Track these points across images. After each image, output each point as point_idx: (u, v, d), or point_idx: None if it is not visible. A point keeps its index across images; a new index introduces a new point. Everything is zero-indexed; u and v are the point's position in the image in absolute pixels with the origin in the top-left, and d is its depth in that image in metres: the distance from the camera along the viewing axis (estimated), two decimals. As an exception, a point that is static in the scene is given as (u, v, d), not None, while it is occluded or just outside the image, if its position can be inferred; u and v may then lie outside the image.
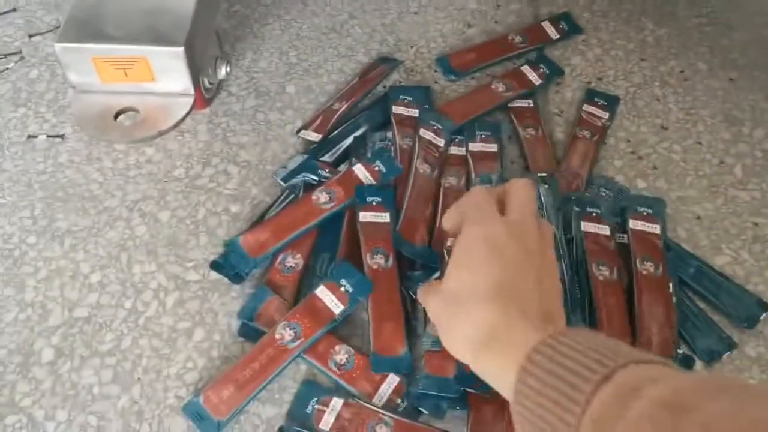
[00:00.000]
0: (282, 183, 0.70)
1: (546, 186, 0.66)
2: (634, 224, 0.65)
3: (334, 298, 0.59)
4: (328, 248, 0.64)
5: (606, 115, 0.76)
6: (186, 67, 0.67)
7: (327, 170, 0.69)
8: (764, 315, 0.61)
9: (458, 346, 0.43)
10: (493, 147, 0.71)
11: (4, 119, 0.76)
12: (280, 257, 0.63)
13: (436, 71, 0.81)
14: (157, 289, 0.63)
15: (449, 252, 0.62)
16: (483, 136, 0.72)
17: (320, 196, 0.65)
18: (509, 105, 0.76)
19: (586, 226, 0.65)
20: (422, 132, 0.71)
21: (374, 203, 0.65)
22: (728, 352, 0.60)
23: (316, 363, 0.57)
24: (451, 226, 0.49)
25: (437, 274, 0.62)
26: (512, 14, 0.88)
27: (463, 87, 0.80)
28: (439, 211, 0.66)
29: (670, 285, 0.61)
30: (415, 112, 0.74)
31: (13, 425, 0.56)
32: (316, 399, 0.56)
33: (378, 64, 0.81)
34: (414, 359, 0.58)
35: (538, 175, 0.67)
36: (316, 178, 0.69)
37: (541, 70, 0.79)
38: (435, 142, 0.70)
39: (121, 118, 0.70)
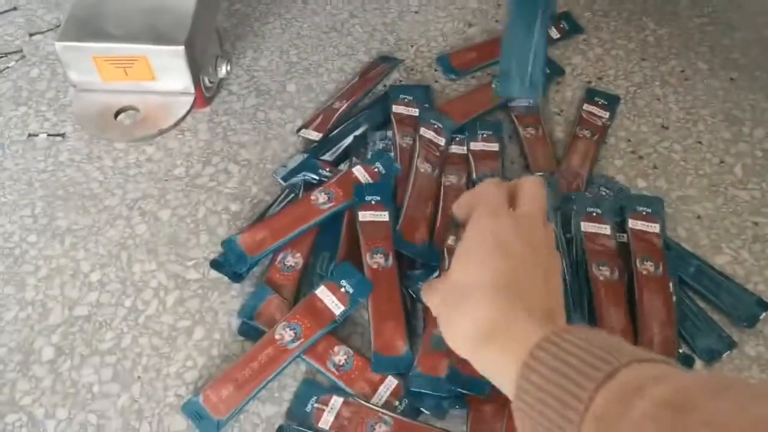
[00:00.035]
0: (282, 182, 0.70)
1: (546, 185, 0.66)
2: (633, 224, 0.65)
3: (334, 298, 0.59)
4: (328, 247, 0.65)
5: (606, 114, 0.76)
6: (186, 65, 0.67)
7: (327, 169, 0.69)
8: (764, 314, 0.61)
9: (459, 338, 0.43)
10: (494, 146, 0.71)
11: (4, 118, 0.76)
12: (280, 256, 0.63)
13: (436, 70, 0.81)
14: (157, 288, 0.64)
15: (449, 251, 0.62)
16: (485, 135, 0.72)
17: (319, 197, 0.65)
18: (509, 104, 0.76)
19: (587, 227, 0.65)
20: (423, 131, 0.71)
21: (373, 202, 0.65)
22: (728, 352, 0.60)
23: (315, 364, 0.57)
24: (461, 213, 0.49)
25: (436, 274, 0.62)
26: (513, 13, 0.88)
27: (463, 86, 0.80)
28: (440, 210, 0.66)
29: (671, 284, 0.61)
30: (415, 111, 0.74)
31: (13, 423, 0.56)
32: (315, 398, 0.56)
33: (378, 63, 0.81)
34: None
35: (538, 174, 0.68)
36: (317, 177, 0.69)
37: (542, 69, 0.79)
38: (435, 141, 0.70)
39: (121, 116, 0.70)
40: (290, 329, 0.57)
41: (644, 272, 0.62)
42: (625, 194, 0.69)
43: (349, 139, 0.72)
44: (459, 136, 0.72)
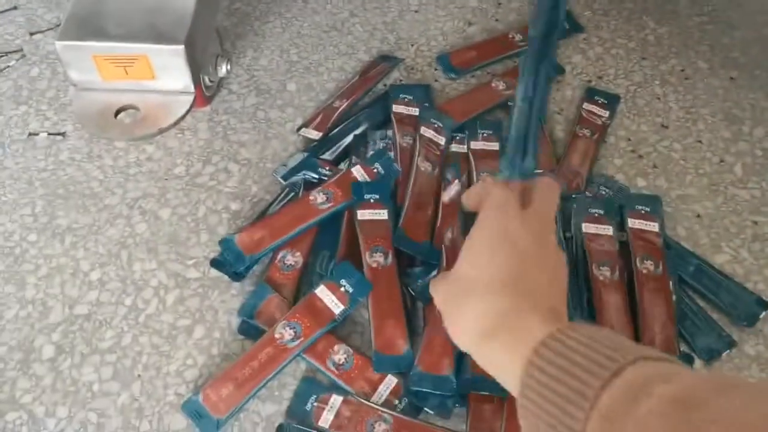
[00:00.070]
0: (282, 181, 0.70)
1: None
2: (632, 223, 0.65)
3: (334, 298, 0.59)
4: (328, 246, 0.65)
5: (606, 113, 0.76)
6: (186, 65, 0.67)
7: (327, 168, 0.69)
8: (764, 313, 0.61)
9: (463, 332, 0.43)
10: (494, 145, 0.71)
11: (5, 117, 0.76)
12: (279, 255, 0.63)
13: (436, 69, 0.81)
14: (157, 287, 0.64)
15: (449, 249, 0.62)
16: (485, 134, 0.72)
17: (318, 197, 0.65)
18: (509, 103, 0.76)
19: (588, 227, 0.65)
20: (423, 130, 0.71)
21: (372, 200, 0.65)
22: (728, 351, 0.60)
23: (315, 362, 0.58)
24: (471, 204, 0.49)
25: (435, 272, 0.62)
26: (513, 12, 0.88)
27: (463, 85, 0.80)
28: (440, 209, 0.66)
29: (671, 283, 0.61)
30: (415, 111, 0.74)
31: (13, 422, 0.56)
32: (315, 396, 0.56)
33: (378, 62, 0.81)
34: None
35: (537, 173, 0.67)
36: (317, 176, 0.69)
37: (542, 68, 0.79)
38: (436, 140, 0.70)
39: (121, 115, 0.70)
40: (290, 328, 0.57)
41: (644, 271, 0.62)
42: (624, 193, 0.69)
43: (349, 138, 0.72)
44: (459, 135, 0.72)
